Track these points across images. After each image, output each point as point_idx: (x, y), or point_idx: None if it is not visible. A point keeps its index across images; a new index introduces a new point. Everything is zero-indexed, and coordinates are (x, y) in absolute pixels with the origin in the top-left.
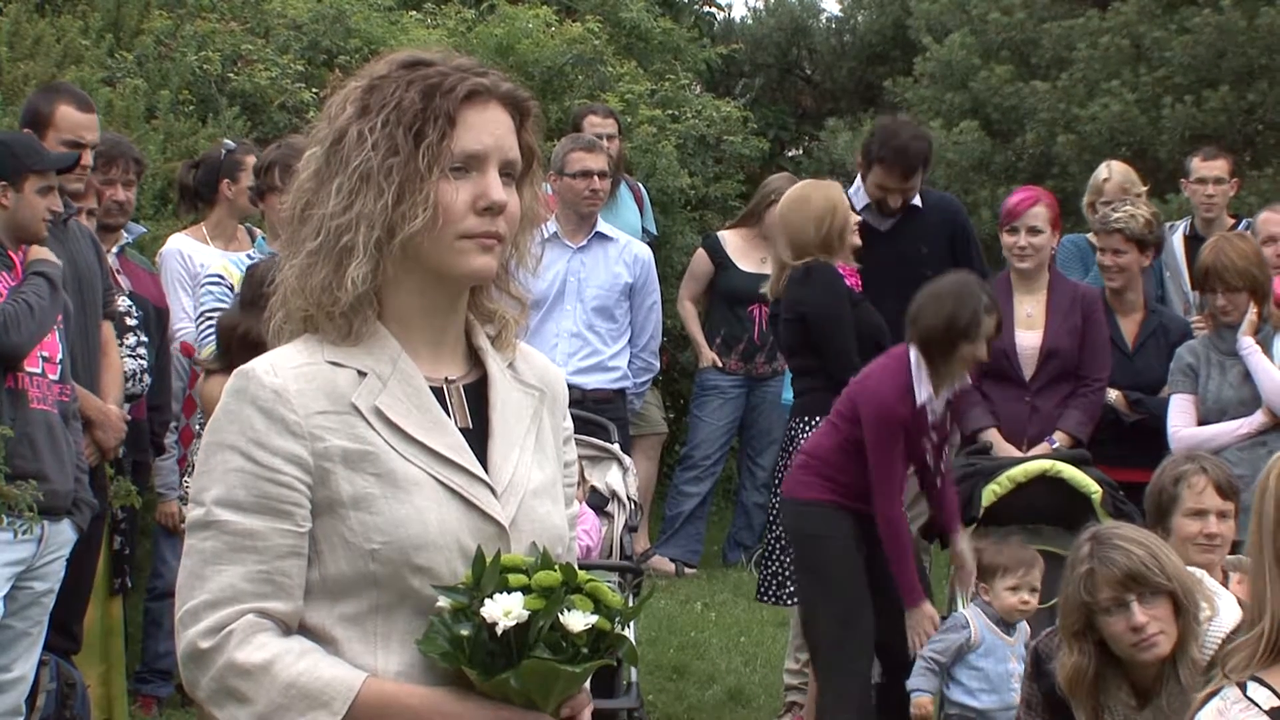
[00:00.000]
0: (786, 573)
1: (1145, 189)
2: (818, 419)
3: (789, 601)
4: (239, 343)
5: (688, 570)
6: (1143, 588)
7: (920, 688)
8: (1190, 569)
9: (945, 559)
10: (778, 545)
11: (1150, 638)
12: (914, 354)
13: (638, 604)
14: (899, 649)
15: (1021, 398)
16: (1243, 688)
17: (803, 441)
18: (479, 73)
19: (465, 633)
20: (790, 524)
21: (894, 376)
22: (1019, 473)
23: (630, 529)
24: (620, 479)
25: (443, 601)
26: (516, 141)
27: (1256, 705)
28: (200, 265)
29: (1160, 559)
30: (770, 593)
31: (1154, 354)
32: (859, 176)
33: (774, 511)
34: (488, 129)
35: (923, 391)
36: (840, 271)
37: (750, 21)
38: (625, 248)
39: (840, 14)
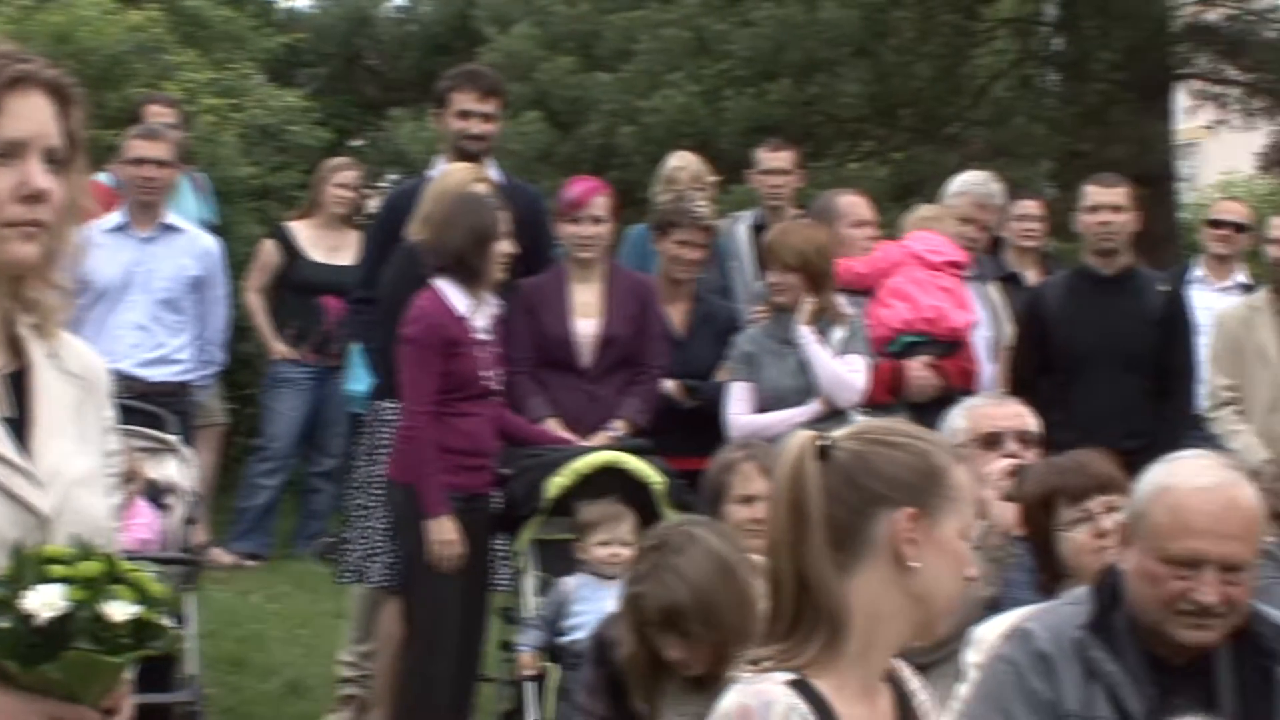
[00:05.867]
0: (368, 551)
1: (715, 180)
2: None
3: (374, 581)
4: None
5: (248, 562)
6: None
7: (523, 643)
8: (749, 555)
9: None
10: (363, 525)
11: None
12: (441, 281)
13: (180, 593)
14: (474, 639)
15: (580, 386)
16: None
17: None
18: (22, 59)
19: (5, 625)
20: (392, 507)
21: (424, 302)
22: (583, 465)
23: (190, 521)
24: (179, 471)
25: None
26: (60, 129)
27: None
28: None
29: (713, 601)
30: (352, 572)
31: (704, 341)
32: (439, 160)
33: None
34: (30, 116)
35: (461, 304)
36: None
37: (314, 10)
38: (194, 240)
39: (405, 3)
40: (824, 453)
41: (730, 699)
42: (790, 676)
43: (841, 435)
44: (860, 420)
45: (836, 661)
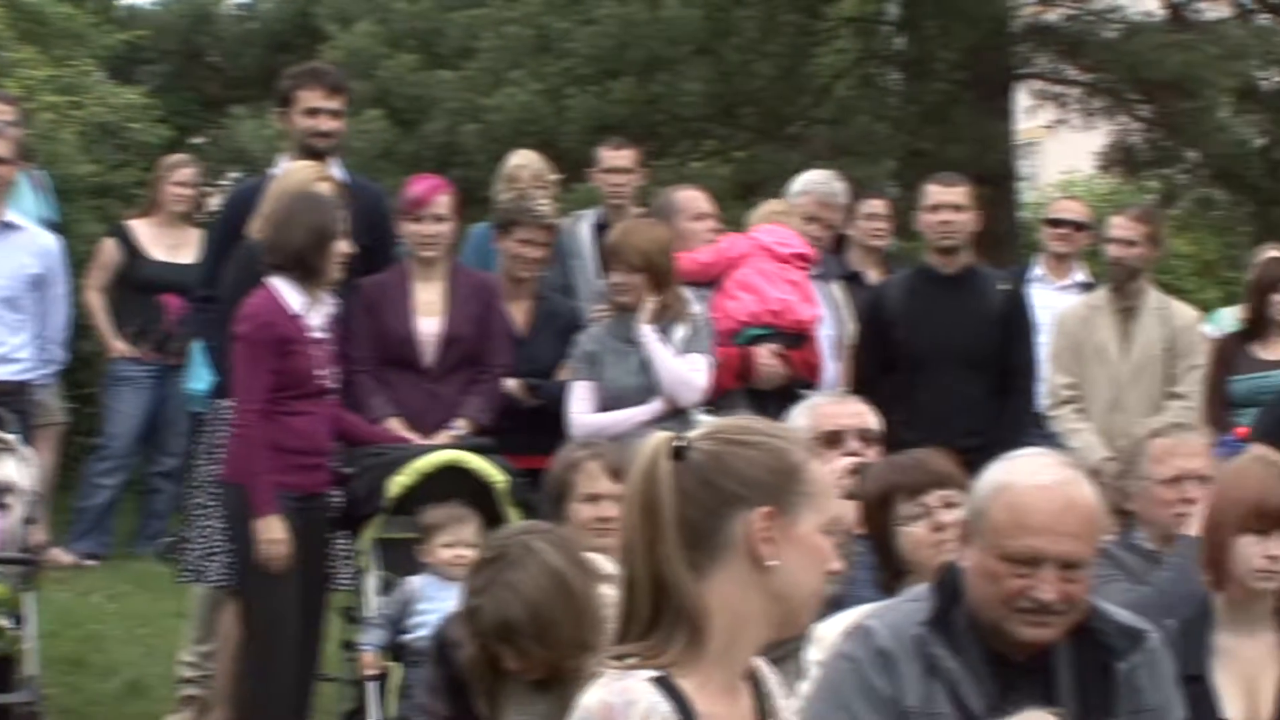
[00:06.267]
0: (207, 550)
1: (557, 178)
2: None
3: (212, 580)
4: None
5: (88, 562)
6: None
7: (365, 643)
8: (590, 562)
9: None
10: (202, 525)
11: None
12: (277, 280)
13: (19, 593)
14: (314, 638)
15: (422, 385)
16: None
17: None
18: None
19: None
20: (226, 506)
21: (257, 300)
22: (425, 464)
23: (29, 521)
24: (18, 470)
25: None
26: None
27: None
28: None
29: (547, 617)
30: (191, 572)
31: (546, 340)
32: (282, 158)
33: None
34: None
35: (296, 302)
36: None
37: (154, 7)
38: (33, 238)
39: (246, 0)
40: (679, 453)
41: (593, 696)
42: (654, 674)
43: (697, 435)
44: (714, 419)
45: (699, 660)
